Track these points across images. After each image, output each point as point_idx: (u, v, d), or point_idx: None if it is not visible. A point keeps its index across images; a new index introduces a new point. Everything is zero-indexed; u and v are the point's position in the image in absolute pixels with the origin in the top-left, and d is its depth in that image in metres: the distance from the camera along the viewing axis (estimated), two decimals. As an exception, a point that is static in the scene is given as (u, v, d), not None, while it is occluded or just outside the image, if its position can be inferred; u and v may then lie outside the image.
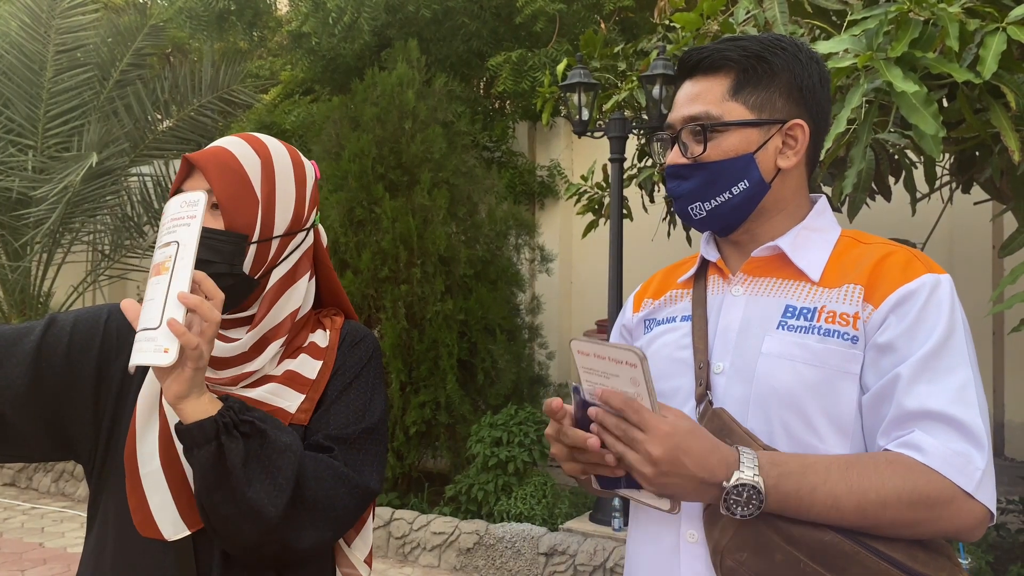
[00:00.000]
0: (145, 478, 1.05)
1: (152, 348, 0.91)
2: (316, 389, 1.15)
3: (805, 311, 1.05)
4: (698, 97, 1.11)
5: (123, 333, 1.14)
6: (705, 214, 1.13)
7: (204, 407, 0.97)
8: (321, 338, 1.20)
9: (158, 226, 1.06)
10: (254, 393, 1.12)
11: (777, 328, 1.05)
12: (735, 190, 1.10)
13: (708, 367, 1.08)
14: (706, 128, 1.09)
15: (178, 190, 1.12)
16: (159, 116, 7.58)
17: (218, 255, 1.07)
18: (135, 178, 7.50)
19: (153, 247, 1.12)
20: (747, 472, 0.92)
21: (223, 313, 1.12)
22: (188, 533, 1.05)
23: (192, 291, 0.94)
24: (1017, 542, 3.81)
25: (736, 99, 1.10)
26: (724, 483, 0.93)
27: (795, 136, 1.10)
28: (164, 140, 7.44)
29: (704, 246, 1.21)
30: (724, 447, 0.95)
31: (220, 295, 0.97)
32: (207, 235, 1.06)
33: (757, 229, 1.13)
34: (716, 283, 1.16)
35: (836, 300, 1.04)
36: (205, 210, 0.97)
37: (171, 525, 1.05)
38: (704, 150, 1.10)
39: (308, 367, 1.16)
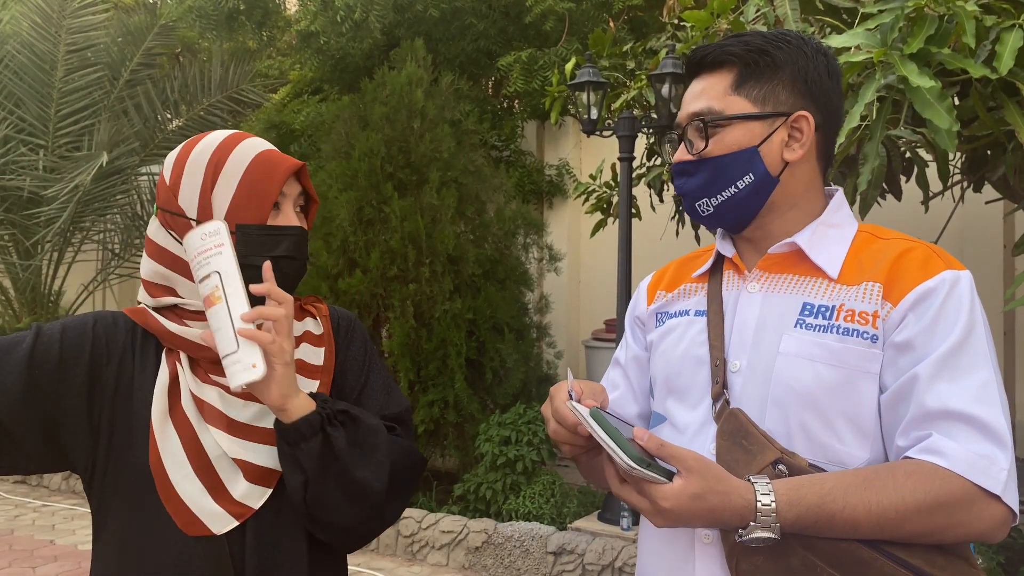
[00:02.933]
0: (178, 484, 1.09)
1: (241, 368, 1.00)
2: (327, 373, 1.20)
3: (823, 309, 1.03)
4: (702, 94, 1.11)
5: (111, 339, 1.15)
6: (712, 210, 1.12)
7: (305, 403, 1.06)
8: (314, 326, 1.24)
9: None
10: None
11: (795, 327, 1.04)
12: (740, 184, 1.09)
13: (724, 365, 1.07)
14: (707, 123, 1.09)
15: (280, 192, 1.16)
16: (169, 115, 7.60)
17: (302, 253, 1.18)
18: (145, 177, 7.52)
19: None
20: (762, 520, 0.92)
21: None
22: (236, 524, 1.09)
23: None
24: (1030, 543, 3.78)
25: (738, 93, 1.09)
26: (740, 530, 0.93)
27: (801, 128, 1.09)
28: (174, 139, 7.45)
29: (719, 241, 1.19)
30: (736, 496, 0.92)
31: (288, 297, 1.06)
32: (302, 235, 1.17)
33: (770, 225, 1.12)
34: (731, 279, 1.15)
35: (855, 298, 1.02)
36: (228, 236, 1.05)
37: (218, 521, 1.09)
38: (706, 145, 1.09)
39: (313, 355, 1.21)
